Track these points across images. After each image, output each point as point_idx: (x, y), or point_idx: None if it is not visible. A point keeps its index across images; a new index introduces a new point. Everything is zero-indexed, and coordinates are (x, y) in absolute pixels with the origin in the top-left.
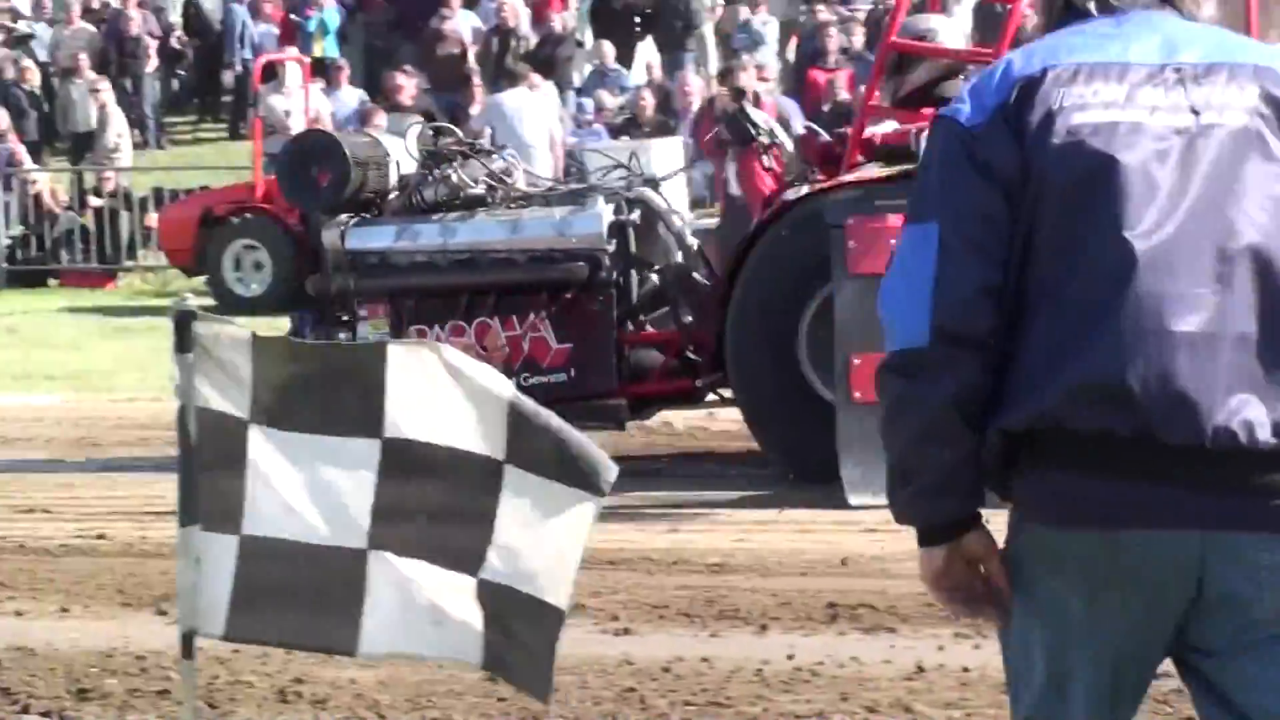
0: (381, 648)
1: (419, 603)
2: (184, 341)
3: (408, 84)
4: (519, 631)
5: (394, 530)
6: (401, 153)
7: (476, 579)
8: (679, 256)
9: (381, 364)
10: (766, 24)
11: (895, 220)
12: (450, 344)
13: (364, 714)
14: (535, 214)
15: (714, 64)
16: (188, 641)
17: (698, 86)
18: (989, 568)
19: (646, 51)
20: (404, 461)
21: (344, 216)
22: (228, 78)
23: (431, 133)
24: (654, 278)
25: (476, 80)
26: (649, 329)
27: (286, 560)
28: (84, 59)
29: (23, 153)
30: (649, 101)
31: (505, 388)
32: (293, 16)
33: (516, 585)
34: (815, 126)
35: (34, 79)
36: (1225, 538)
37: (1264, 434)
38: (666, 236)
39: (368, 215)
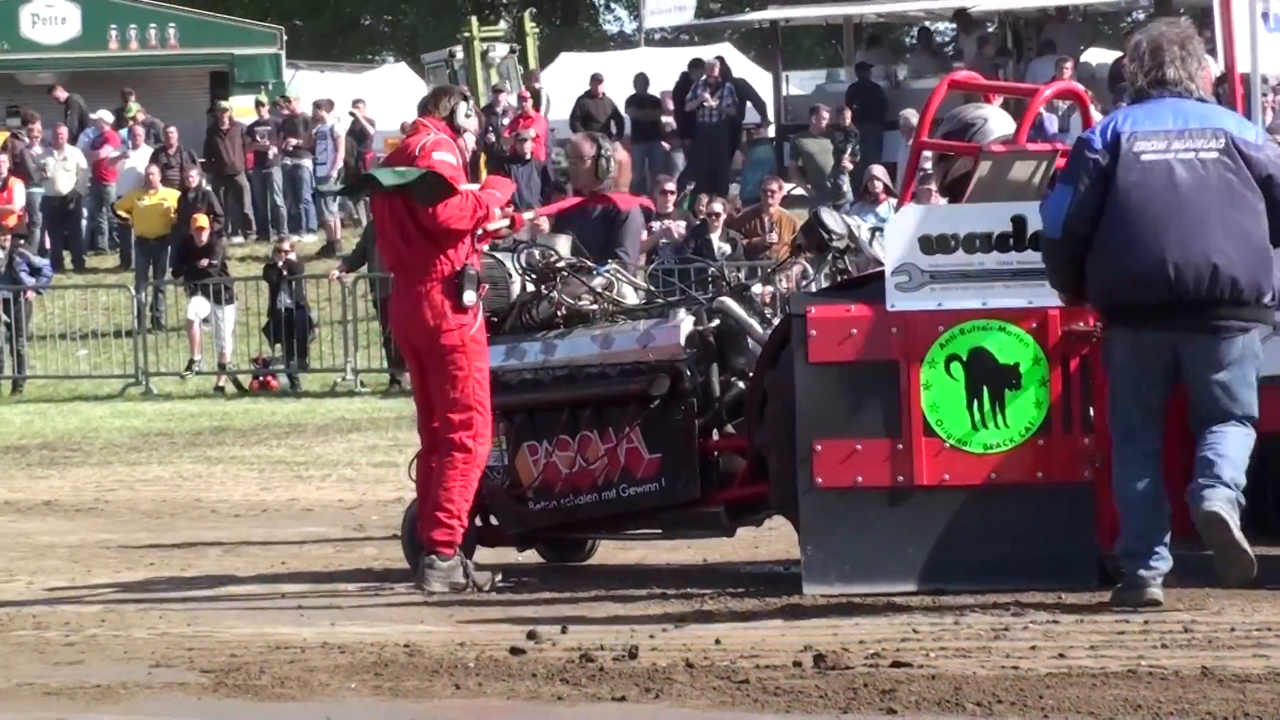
0: None
1: None
2: None
3: None
4: None
5: None
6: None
7: None
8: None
9: None
10: None
11: (855, 310)
12: (556, 458)
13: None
14: (622, 328)
15: None
16: None
17: None
18: None
19: None
20: None
21: None
22: None
23: (538, 252)
24: (740, 384)
25: None
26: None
27: None
28: None
29: None
30: None
31: None
32: None
33: None
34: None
35: None
36: None
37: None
38: (754, 344)
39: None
